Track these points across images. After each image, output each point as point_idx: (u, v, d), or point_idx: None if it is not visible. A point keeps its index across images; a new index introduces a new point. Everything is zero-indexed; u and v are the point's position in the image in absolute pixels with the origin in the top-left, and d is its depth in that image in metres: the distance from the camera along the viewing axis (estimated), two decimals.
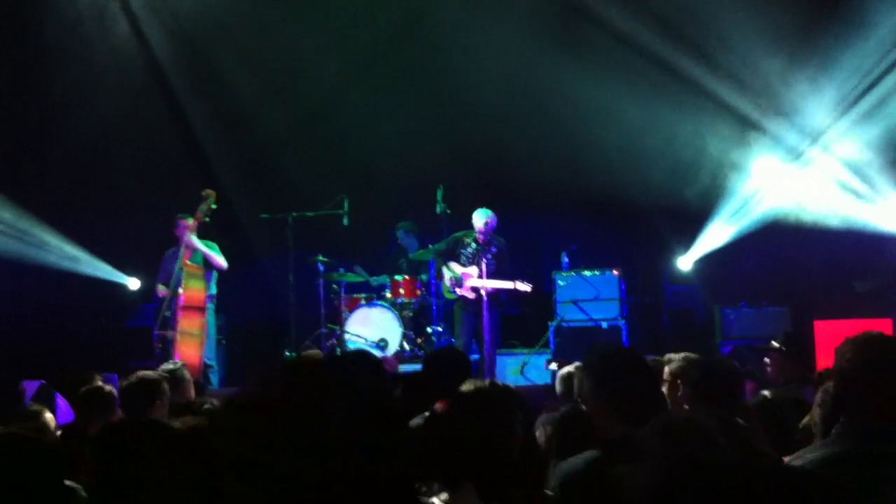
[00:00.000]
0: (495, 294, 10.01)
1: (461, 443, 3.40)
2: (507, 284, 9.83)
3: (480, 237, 10.14)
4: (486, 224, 10.04)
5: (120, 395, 5.58)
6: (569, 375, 5.57)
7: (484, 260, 10.02)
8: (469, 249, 10.21)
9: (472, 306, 10.13)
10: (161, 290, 9.99)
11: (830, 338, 8.18)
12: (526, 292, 9.91)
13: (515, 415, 3.53)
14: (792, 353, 6.52)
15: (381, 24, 12.13)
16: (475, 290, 10.02)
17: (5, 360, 9.82)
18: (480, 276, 9.98)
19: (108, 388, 5.76)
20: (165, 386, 5.47)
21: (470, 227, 10.24)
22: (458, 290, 10.18)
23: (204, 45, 12.06)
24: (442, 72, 11.97)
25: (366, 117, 12.06)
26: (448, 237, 10.51)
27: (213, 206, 9.89)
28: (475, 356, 9.83)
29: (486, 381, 3.65)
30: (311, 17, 12.02)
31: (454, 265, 10.23)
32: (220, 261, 10.01)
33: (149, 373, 5.62)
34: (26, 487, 3.27)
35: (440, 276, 10.51)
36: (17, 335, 10.97)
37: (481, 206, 10.17)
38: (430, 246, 10.79)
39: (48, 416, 5.05)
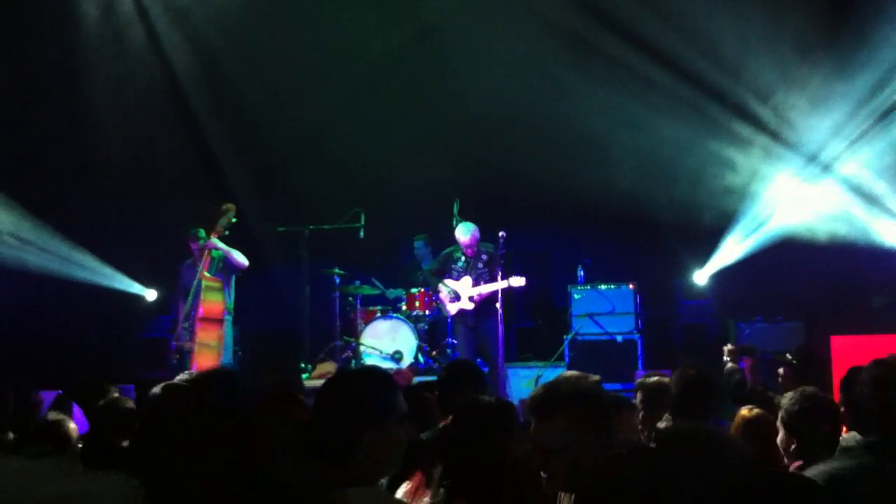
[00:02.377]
0: (491, 303, 9.90)
1: (458, 455, 3.46)
2: (500, 285, 9.78)
3: (468, 251, 10.18)
4: (471, 237, 10.08)
5: (148, 403, 5.57)
6: None
7: (476, 270, 10.09)
8: (459, 264, 10.29)
9: (469, 319, 10.16)
10: (180, 303, 10.04)
11: (847, 353, 8.15)
12: (521, 287, 9.88)
13: (512, 429, 3.59)
14: (802, 365, 6.54)
15: (394, 37, 12.18)
16: (471, 299, 10.07)
17: (22, 370, 9.88)
18: (474, 286, 10.04)
19: (129, 402, 5.81)
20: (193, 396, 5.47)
21: (485, 241, 10.22)
22: (455, 306, 10.19)
23: (220, 58, 12.13)
24: (455, 85, 12.02)
25: (381, 131, 12.10)
26: (438, 255, 10.59)
27: (233, 220, 9.97)
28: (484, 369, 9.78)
29: (488, 397, 3.71)
30: (326, 32, 12.09)
31: (448, 281, 10.27)
32: (241, 259, 10.05)
33: (177, 382, 5.60)
34: None
35: (434, 292, 10.58)
36: (33, 345, 11.03)
37: (467, 221, 10.20)
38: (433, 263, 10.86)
39: (71, 426, 5.06)
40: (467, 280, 10.14)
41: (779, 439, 4.20)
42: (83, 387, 6.96)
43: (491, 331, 9.84)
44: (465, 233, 10.10)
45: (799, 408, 4.12)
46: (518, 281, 9.80)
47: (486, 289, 9.93)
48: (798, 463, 4.02)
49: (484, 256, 10.13)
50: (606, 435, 2.97)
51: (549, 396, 3.00)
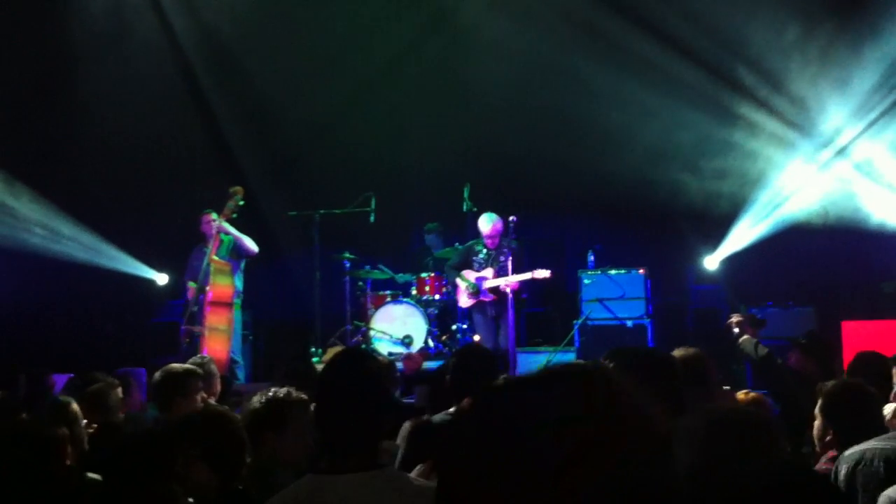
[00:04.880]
0: (517, 292, 9.94)
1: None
2: (524, 276, 9.76)
3: (489, 241, 10.06)
4: (493, 228, 9.97)
5: (150, 388, 5.66)
6: None
7: (499, 262, 9.99)
8: (481, 256, 10.17)
9: (489, 309, 10.11)
10: (190, 287, 10.07)
11: (858, 338, 8.16)
12: (546, 279, 9.82)
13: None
14: (813, 350, 6.53)
15: (407, 25, 12.17)
16: (494, 290, 9.98)
17: (34, 355, 9.94)
18: (498, 277, 9.96)
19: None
20: (196, 379, 5.53)
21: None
22: (472, 299, 10.15)
23: (232, 43, 12.15)
24: (467, 71, 12.00)
25: (392, 116, 12.11)
26: (460, 248, 10.53)
27: (241, 203, 9.99)
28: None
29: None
30: (338, 17, 12.09)
31: (467, 273, 10.20)
32: (251, 245, 10.07)
33: (178, 366, 5.66)
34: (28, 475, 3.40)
35: (453, 286, 10.49)
36: (45, 330, 11.10)
37: (490, 212, 10.10)
38: (457, 245, 10.82)
39: (75, 407, 5.12)
40: (489, 272, 10.01)
41: (815, 426, 4.18)
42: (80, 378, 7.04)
43: (510, 320, 9.84)
44: (487, 223, 9.99)
45: (842, 399, 4.11)
46: (543, 273, 9.76)
47: (508, 280, 9.78)
48: (832, 453, 4.00)
49: (506, 251, 9.97)
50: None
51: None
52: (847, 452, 3.79)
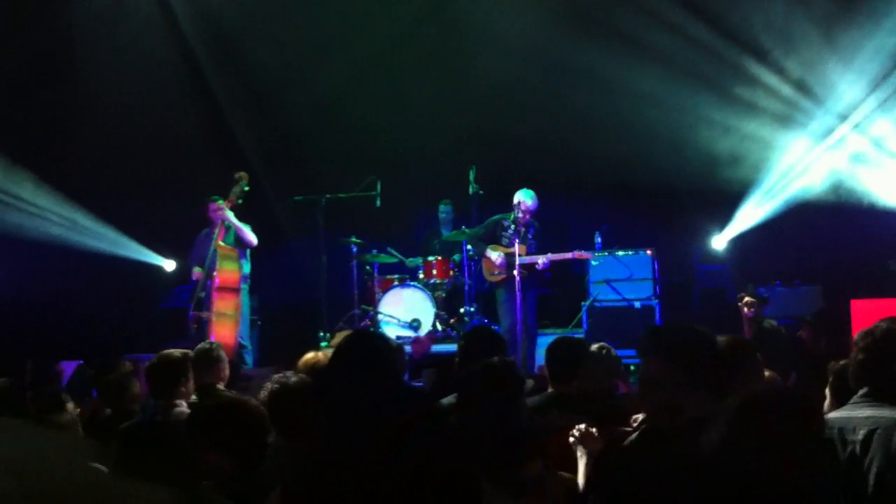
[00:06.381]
0: (540, 273, 9.90)
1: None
2: (565, 255, 9.76)
3: (524, 216, 9.90)
4: (535, 203, 9.87)
5: (145, 374, 5.66)
6: (598, 352, 5.57)
7: (528, 240, 9.94)
8: (510, 231, 10.04)
9: (517, 285, 9.96)
10: (196, 272, 10.07)
11: (867, 316, 8.14)
12: (585, 259, 9.94)
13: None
14: (822, 327, 6.54)
15: (410, 6, 12.12)
16: (526, 266, 9.79)
17: (41, 342, 9.98)
18: (529, 254, 9.88)
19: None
20: (189, 365, 5.54)
21: (502, 208, 10.14)
22: (505, 273, 10.06)
23: (236, 29, 12.11)
24: (471, 52, 11.96)
25: (396, 100, 12.06)
26: (485, 222, 10.40)
27: (246, 189, 9.98)
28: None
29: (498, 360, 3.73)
30: (341, 2, 12.06)
31: (499, 247, 10.14)
32: (251, 237, 10.06)
33: (173, 352, 5.66)
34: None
35: (480, 257, 10.36)
36: (53, 316, 11.12)
37: (523, 187, 9.98)
38: (464, 228, 10.75)
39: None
40: (521, 248, 9.84)
41: (825, 405, 4.16)
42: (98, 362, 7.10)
43: (534, 299, 9.88)
44: (531, 198, 9.86)
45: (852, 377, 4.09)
46: (586, 254, 9.90)
47: (550, 258, 9.75)
48: None
49: (532, 229, 9.96)
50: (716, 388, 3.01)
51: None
52: (859, 414, 3.73)
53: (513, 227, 10.00)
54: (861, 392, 3.66)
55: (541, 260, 9.77)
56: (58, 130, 11.66)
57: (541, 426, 4.18)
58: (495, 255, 10.07)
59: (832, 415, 3.68)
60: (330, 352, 4.97)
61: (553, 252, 9.84)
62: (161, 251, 12.06)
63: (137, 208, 11.82)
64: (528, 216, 9.93)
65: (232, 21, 12.06)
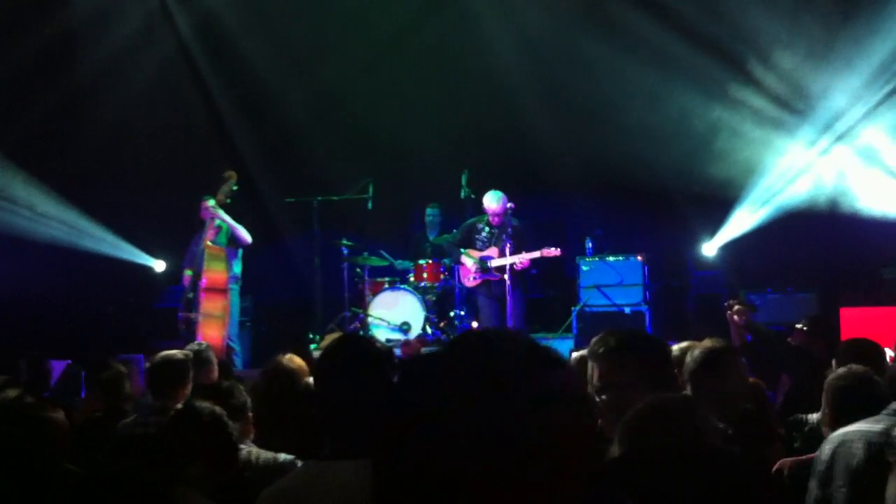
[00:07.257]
0: (520, 274, 9.90)
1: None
2: (533, 255, 9.71)
3: (495, 220, 9.95)
4: (501, 205, 9.83)
5: (146, 375, 5.64)
6: (582, 359, 5.53)
7: (502, 241, 9.92)
8: (483, 234, 10.08)
9: (495, 290, 10.03)
10: (186, 275, 10.05)
11: (856, 325, 8.14)
12: (556, 256, 9.79)
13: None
14: (816, 334, 6.51)
15: (407, 6, 12.12)
16: (500, 269, 9.90)
17: (33, 340, 9.93)
18: (502, 256, 9.90)
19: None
20: (191, 366, 5.52)
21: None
22: (478, 278, 10.07)
23: (230, 27, 12.10)
24: (466, 54, 11.96)
25: (390, 101, 12.05)
26: (460, 227, 10.44)
27: (234, 188, 9.96)
28: None
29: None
30: (338, 1, 12.06)
31: (472, 252, 10.16)
32: (245, 235, 10.03)
33: (175, 353, 5.64)
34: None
35: (456, 263, 10.39)
36: (44, 315, 11.08)
37: (495, 189, 9.97)
38: (454, 231, 10.77)
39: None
40: (493, 251, 9.94)
41: (822, 413, 4.23)
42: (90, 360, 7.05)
43: (518, 301, 9.80)
44: (496, 200, 9.85)
45: (845, 384, 4.12)
46: (553, 252, 9.73)
47: (516, 259, 9.70)
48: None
49: (509, 230, 9.90)
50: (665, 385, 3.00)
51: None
52: (833, 434, 3.81)
53: (486, 229, 10.03)
54: None
55: (517, 260, 9.75)
56: (51, 128, 11.63)
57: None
58: (471, 263, 10.10)
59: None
60: (295, 357, 4.98)
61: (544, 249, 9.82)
62: (152, 251, 12.01)
63: (130, 208, 11.79)
64: (497, 218, 9.93)
65: (228, 20, 12.05)
